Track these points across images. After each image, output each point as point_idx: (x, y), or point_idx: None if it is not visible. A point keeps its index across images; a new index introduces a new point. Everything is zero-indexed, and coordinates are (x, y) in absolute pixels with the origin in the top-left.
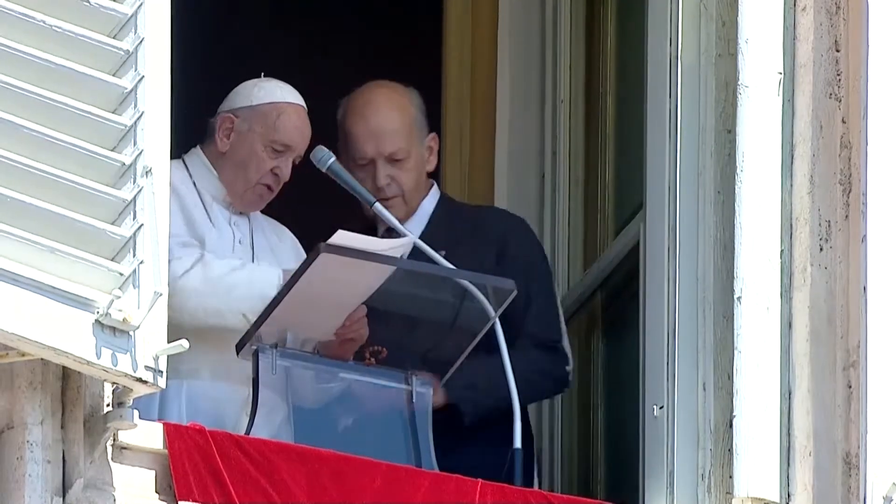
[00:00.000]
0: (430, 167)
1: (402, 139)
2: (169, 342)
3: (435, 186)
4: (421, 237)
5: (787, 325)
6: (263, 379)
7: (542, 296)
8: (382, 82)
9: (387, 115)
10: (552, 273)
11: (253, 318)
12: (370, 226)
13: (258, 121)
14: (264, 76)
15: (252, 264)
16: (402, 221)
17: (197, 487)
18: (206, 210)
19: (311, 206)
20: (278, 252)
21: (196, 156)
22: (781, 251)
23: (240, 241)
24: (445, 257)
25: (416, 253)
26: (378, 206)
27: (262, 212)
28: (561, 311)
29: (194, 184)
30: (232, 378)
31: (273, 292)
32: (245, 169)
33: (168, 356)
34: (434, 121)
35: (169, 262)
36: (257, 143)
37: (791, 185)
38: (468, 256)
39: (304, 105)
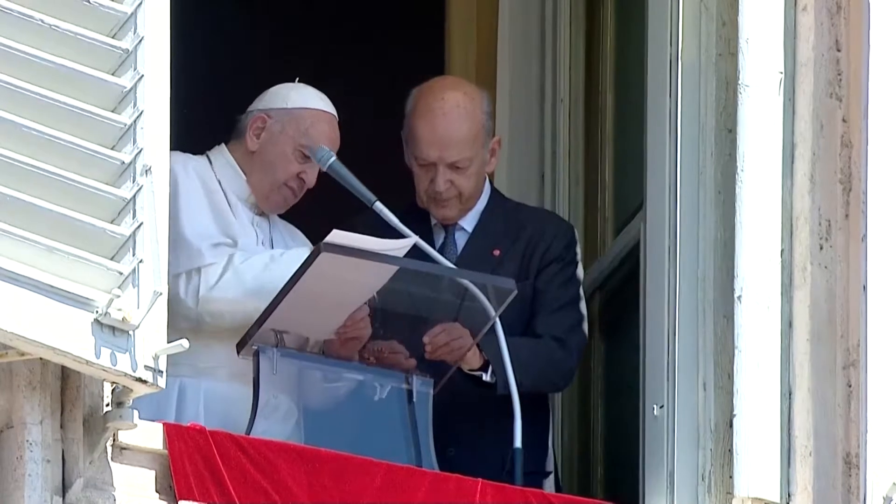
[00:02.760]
0: (490, 169)
1: (468, 149)
2: (170, 341)
3: (487, 182)
4: (473, 233)
5: (788, 325)
6: (273, 381)
7: (564, 293)
8: (455, 82)
9: (456, 124)
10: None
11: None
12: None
13: (291, 124)
14: (298, 80)
15: (281, 255)
16: (454, 220)
17: (197, 487)
18: (231, 209)
19: (316, 205)
20: None
21: (221, 154)
22: (782, 250)
23: (262, 242)
24: (499, 257)
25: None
26: (378, 205)
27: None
28: (585, 315)
29: (219, 182)
30: (247, 379)
31: None
32: (273, 170)
33: (172, 355)
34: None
35: (201, 268)
36: (288, 145)
37: (791, 185)
38: (519, 257)
39: (336, 115)
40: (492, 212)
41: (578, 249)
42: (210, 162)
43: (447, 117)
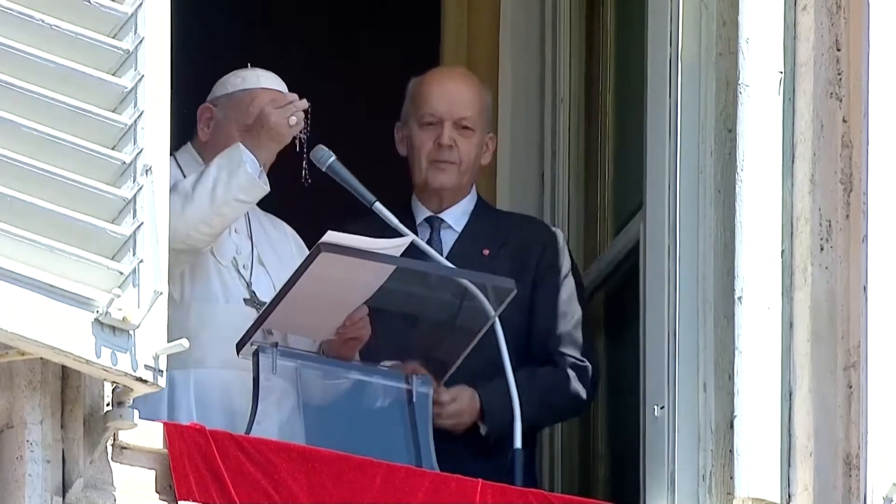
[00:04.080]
0: (484, 161)
1: (474, 111)
2: (169, 340)
3: (474, 188)
4: (462, 233)
5: (788, 325)
6: (267, 375)
7: (575, 313)
8: (459, 67)
9: (464, 84)
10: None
11: (246, 198)
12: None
13: (233, 107)
14: (250, 66)
15: (212, 162)
16: (444, 200)
17: (197, 487)
18: None
19: (316, 205)
20: (277, 244)
21: (186, 151)
22: (782, 251)
23: (235, 230)
24: (489, 257)
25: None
26: (378, 205)
27: (271, 211)
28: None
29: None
30: (240, 365)
31: (246, 163)
32: None
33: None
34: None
35: None
36: (233, 129)
37: (792, 185)
38: (510, 260)
39: (283, 90)
40: (479, 215)
41: (569, 254)
42: (177, 161)
43: (456, 79)
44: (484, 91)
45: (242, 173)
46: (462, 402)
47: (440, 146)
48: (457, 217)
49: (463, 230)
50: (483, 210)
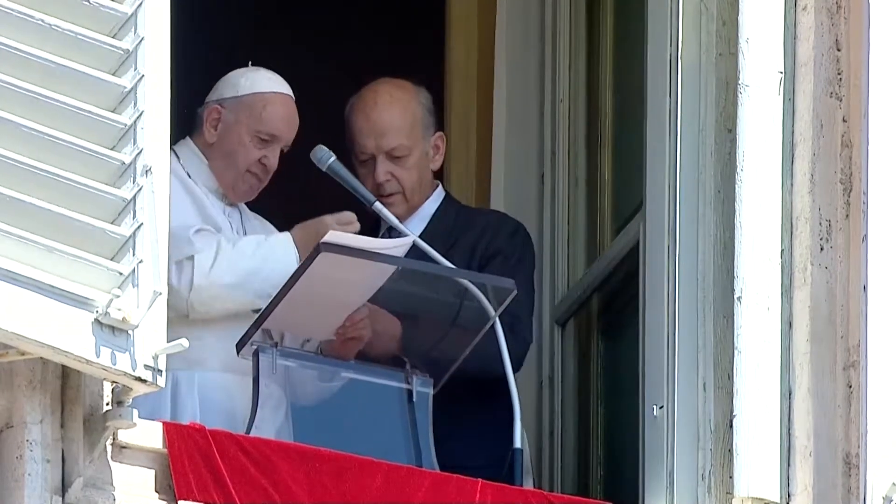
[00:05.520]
0: (435, 166)
1: (404, 136)
2: (169, 340)
3: (440, 188)
4: (420, 237)
5: (788, 325)
6: (267, 375)
7: (522, 306)
8: (389, 79)
9: (388, 111)
10: (534, 267)
11: (271, 291)
12: (373, 224)
13: (244, 111)
14: (251, 65)
15: (266, 239)
16: (402, 219)
17: (197, 487)
18: (205, 199)
19: (315, 206)
20: None
21: (187, 147)
22: (782, 251)
23: (236, 232)
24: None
25: (414, 252)
26: (378, 205)
27: (258, 210)
28: (532, 304)
29: (188, 174)
30: (241, 369)
31: (292, 265)
32: (233, 159)
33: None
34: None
35: (193, 256)
36: (244, 133)
37: (791, 185)
38: (459, 257)
39: (291, 94)
40: (440, 217)
41: (528, 247)
42: (177, 156)
43: (380, 106)
44: (415, 98)
45: (282, 277)
46: (383, 325)
47: (378, 184)
48: (417, 222)
49: (420, 236)
50: (446, 210)
